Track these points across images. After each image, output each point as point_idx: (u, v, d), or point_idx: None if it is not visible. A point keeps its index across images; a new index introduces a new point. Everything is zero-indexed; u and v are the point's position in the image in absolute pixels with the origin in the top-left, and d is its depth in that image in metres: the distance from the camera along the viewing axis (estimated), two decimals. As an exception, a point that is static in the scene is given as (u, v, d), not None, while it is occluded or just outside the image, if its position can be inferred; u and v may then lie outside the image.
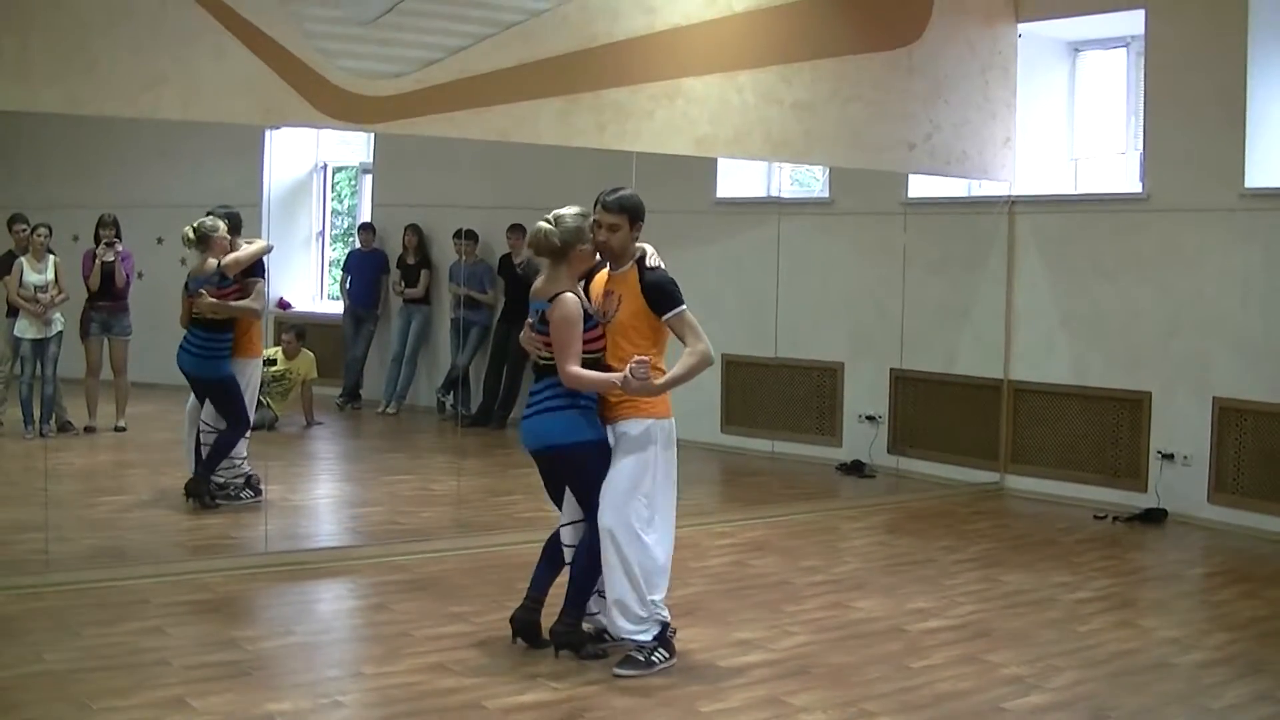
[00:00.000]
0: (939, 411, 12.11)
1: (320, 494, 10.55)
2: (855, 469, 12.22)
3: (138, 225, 12.49)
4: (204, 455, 9.91)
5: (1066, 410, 11.30)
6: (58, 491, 9.59)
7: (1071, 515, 10.67)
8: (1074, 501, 11.01)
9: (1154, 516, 10.45)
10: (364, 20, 8.12)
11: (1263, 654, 7.10)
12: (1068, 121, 11.97)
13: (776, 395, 12.76)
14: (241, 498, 10.02)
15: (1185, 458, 10.51)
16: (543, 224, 6.58)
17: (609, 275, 6.77)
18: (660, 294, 6.60)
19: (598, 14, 8.91)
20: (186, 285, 10.01)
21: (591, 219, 6.66)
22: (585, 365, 6.52)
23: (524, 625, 6.82)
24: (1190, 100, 10.41)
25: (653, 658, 6.59)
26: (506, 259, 14.15)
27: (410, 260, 14.41)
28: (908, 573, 8.76)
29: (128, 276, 12.01)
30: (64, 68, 7.31)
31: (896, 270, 11.90)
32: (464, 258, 13.93)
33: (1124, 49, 11.49)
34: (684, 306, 6.61)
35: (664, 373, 6.53)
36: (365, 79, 8.15)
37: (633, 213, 6.68)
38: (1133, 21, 10.98)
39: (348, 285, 14.26)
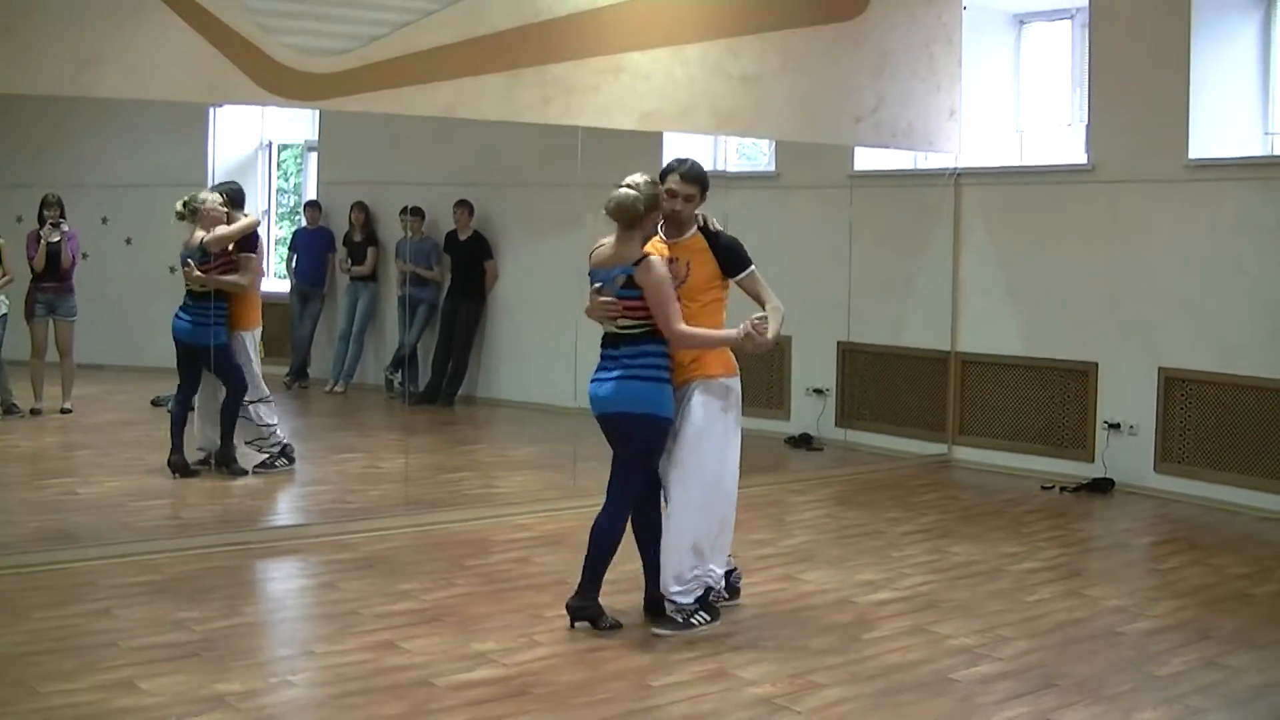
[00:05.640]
0: (886, 384, 12.14)
1: (268, 473, 10.48)
2: (803, 442, 12.25)
3: (81, 205, 12.40)
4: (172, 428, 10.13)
5: (1013, 381, 11.34)
6: (4, 473, 9.57)
7: (1019, 486, 10.73)
8: (1021, 472, 11.06)
9: (1101, 486, 10.51)
10: (307, -5, 8.08)
11: (1209, 621, 7.15)
12: (1013, 93, 11.99)
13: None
14: (276, 466, 10.45)
15: (1132, 427, 10.57)
16: (627, 190, 6.57)
17: (669, 243, 6.83)
18: (734, 256, 6.83)
19: (543, -12, 8.87)
20: (181, 257, 10.17)
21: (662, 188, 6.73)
22: (641, 333, 6.62)
23: (651, 603, 6.89)
24: (1135, 72, 10.45)
25: (692, 620, 6.78)
26: (453, 235, 14.14)
27: (357, 238, 14.34)
28: (856, 545, 8.79)
29: (73, 257, 11.95)
30: (2, 46, 7.22)
31: (843, 243, 11.91)
32: (411, 235, 13.91)
33: (1069, 20, 11.51)
34: (754, 266, 6.83)
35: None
36: (309, 55, 8.07)
37: (705, 184, 6.83)
38: (1077, -7, 11.02)
39: (294, 263, 14.18)
